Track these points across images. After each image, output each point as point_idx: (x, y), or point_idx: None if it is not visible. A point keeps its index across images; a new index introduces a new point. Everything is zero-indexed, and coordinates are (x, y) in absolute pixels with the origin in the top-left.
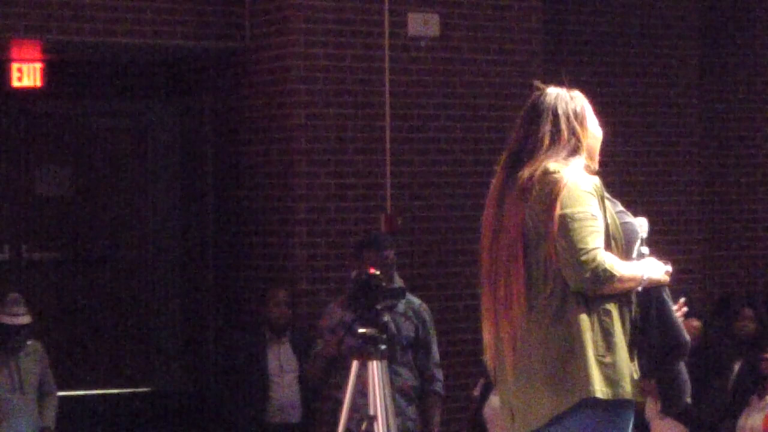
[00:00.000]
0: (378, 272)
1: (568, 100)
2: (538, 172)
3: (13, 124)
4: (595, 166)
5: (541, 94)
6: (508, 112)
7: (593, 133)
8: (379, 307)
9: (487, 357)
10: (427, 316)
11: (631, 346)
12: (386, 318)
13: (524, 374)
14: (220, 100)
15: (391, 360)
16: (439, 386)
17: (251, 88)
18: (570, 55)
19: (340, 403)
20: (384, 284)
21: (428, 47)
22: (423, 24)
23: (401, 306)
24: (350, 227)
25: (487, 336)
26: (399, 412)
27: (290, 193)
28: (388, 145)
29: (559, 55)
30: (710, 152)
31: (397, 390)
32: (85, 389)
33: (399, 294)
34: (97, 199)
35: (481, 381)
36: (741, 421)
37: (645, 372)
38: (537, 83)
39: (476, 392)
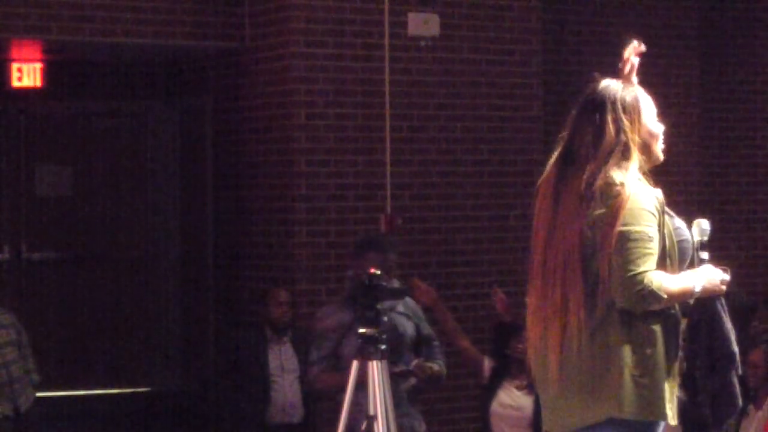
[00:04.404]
0: (378, 272)
1: (620, 93)
2: (600, 182)
3: (13, 124)
4: (653, 162)
5: (594, 88)
6: (508, 112)
7: (648, 127)
8: (379, 307)
9: (530, 353)
10: (419, 311)
11: (674, 364)
12: (386, 318)
13: (563, 379)
14: (220, 100)
15: (398, 360)
16: (443, 366)
17: (251, 88)
18: (570, 55)
19: (339, 403)
20: (386, 284)
21: (428, 47)
22: (423, 24)
23: (401, 306)
24: (350, 227)
25: (532, 333)
26: (404, 413)
27: (290, 193)
28: (388, 145)
29: (559, 55)
30: (710, 152)
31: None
32: (85, 389)
33: (401, 294)
34: (97, 199)
35: (489, 364)
36: (740, 429)
37: (698, 382)
38: (596, 74)
39: (486, 372)
